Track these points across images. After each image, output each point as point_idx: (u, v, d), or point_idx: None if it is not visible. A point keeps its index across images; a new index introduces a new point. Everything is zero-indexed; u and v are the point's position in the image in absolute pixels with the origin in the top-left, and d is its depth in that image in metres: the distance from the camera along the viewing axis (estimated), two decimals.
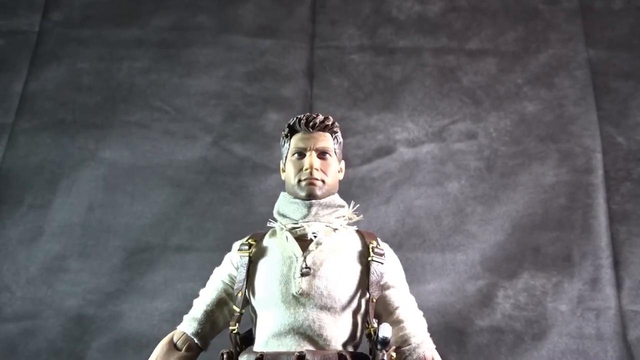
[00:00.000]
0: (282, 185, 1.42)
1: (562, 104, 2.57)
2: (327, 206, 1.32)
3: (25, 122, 2.58)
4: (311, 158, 1.31)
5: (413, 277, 2.33)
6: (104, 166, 2.53)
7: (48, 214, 2.47)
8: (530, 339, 2.29)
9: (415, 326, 1.27)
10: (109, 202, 2.48)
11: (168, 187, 2.50)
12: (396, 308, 1.28)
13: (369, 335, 1.22)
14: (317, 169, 1.30)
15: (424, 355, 1.25)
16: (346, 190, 2.46)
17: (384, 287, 1.27)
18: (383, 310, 1.28)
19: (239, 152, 2.56)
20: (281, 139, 1.40)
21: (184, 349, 1.30)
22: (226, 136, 2.58)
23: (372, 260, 1.27)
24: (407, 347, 1.25)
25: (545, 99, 2.58)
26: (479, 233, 2.41)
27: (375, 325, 1.20)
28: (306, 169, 1.30)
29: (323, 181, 1.31)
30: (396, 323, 1.25)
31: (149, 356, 1.32)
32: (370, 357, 1.21)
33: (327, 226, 1.30)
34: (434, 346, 1.28)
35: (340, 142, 1.40)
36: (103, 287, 2.39)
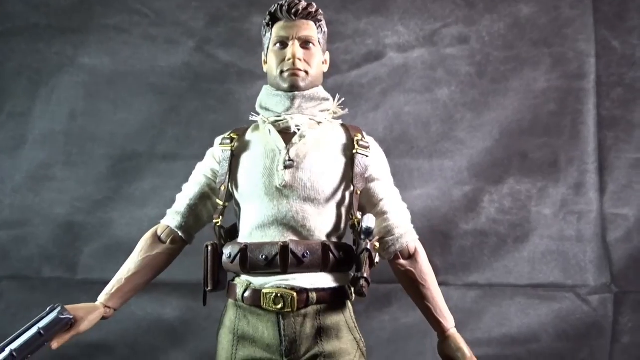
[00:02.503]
0: None
1: (558, 6, 2.48)
2: (311, 98, 1.28)
3: None
4: (294, 48, 1.25)
5: (400, 183, 2.31)
6: (83, 73, 2.45)
7: (29, 122, 2.42)
8: (512, 241, 2.36)
9: (398, 217, 1.28)
10: (91, 110, 2.43)
11: (151, 95, 2.44)
12: (380, 200, 1.28)
13: (352, 227, 1.23)
14: (300, 59, 1.25)
15: (407, 245, 1.27)
16: (334, 96, 2.43)
17: (368, 180, 1.27)
18: (367, 203, 1.28)
19: (224, 57, 2.47)
20: (262, 28, 1.33)
21: (168, 241, 1.31)
22: (210, 41, 2.48)
23: (357, 152, 1.25)
24: (390, 238, 1.26)
25: (540, 1, 2.48)
26: (467, 139, 2.40)
27: (359, 216, 1.20)
28: (289, 59, 1.25)
29: (306, 72, 1.27)
30: (380, 214, 1.26)
31: None
32: (354, 247, 1.23)
33: (310, 119, 1.27)
34: (417, 237, 1.30)
35: (324, 32, 1.33)
36: (91, 195, 2.40)
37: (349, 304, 1.26)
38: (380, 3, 2.51)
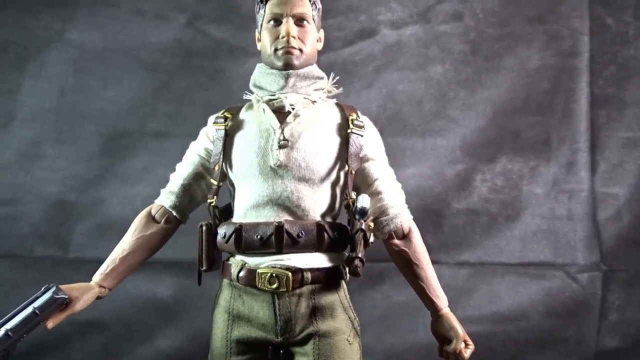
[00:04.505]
0: None
1: None
2: (306, 77, 1.26)
3: None
4: (288, 25, 1.23)
5: (393, 161, 2.30)
6: (72, 48, 2.40)
7: (18, 99, 2.39)
8: (504, 220, 2.38)
9: (393, 197, 1.28)
10: (81, 87, 2.40)
11: (142, 71, 2.41)
12: (375, 180, 1.28)
13: (347, 206, 1.23)
14: (294, 37, 1.23)
15: (401, 225, 1.28)
16: (327, 74, 2.41)
17: (363, 160, 1.27)
18: (362, 183, 1.28)
19: (215, 33, 2.44)
20: (255, 4, 1.31)
21: (162, 221, 1.31)
22: (201, 16, 2.44)
23: (352, 132, 1.24)
24: (384, 218, 1.27)
25: None
26: (460, 118, 2.40)
27: (354, 196, 1.20)
28: (283, 37, 1.23)
29: (301, 50, 1.24)
30: (375, 194, 1.26)
31: None
32: (349, 227, 1.23)
33: (305, 98, 1.26)
34: (412, 217, 1.30)
35: (319, 9, 1.31)
36: (82, 173, 2.38)
37: (343, 283, 1.27)
38: None
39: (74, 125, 2.39)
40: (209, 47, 2.43)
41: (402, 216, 1.28)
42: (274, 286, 1.16)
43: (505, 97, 2.40)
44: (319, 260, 1.20)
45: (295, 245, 1.17)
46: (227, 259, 1.27)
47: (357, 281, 2.19)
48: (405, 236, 1.29)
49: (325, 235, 1.19)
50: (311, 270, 1.19)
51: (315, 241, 1.18)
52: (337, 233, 1.21)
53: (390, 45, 2.44)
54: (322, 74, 1.31)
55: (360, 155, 1.26)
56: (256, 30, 1.33)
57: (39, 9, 2.41)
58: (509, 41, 2.42)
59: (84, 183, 2.38)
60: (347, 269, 1.19)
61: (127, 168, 2.39)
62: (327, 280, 1.22)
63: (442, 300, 1.29)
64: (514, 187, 2.39)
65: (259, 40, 1.31)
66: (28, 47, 2.40)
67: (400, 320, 2.36)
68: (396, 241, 1.29)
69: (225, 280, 1.26)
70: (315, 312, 1.20)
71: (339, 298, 1.24)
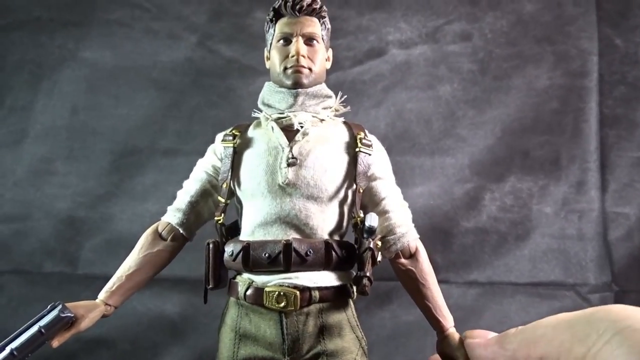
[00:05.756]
0: None
1: (561, 3, 2.47)
2: (314, 96, 1.27)
3: None
4: (298, 44, 1.24)
5: (402, 180, 2.33)
6: (85, 67, 2.44)
7: (31, 116, 2.42)
8: (513, 239, 2.36)
9: (400, 217, 1.28)
10: (93, 105, 2.43)
11: (153, 90, 2.44)
12: (382, 199, 1.27)
13: (355, 225, 1.22)
14: (303, 56, 1.24)
15: (408, 245, 1.27)
16: (336, 93, 2.43)
17: (370, 178, 1.27)
18: (369, 201, 1.28)
19: (226, 53, 2.47)
20: (265, 24, 1.32)
21: (169, 238, 1.30)
22: (212, 36, 2.48)
23: (360, 151, 1.24)
24: (391, 237, 1.26)
25: None
26: (469, 137, 2.40)
27: (362, 215, 1.20)
28: (292, 56, 1.24)
29: (310, 69, 1.26)
30: (382, 213, 1.26)
31: None
32: (356, 245, 1.22)
33: (313, 116, 1.26)
34: (418, 236, 1.30)
35: (328, 29, 1.33)
36: (92, 190, 2.40)
37: (351, 302, 1.26)
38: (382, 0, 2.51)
39: (85, 142, 2.41)
40: (220, 66, 2.46)
41: (409, 235, 1.27)
42: (282, 305, 1.15)
43: (514, 116, 2.40)
44: (326, 278, 1.20)
45: (304, 263, 1.16)
46: (234, 277, 1.26)
47: (365, 300, 2.17)
48: (412, 255, 1.28)
49: (333, 253, 1.19)
50: (319, 288, 1.18)
51: (324, 259, 1.18)
52: (345, 251, 1.21)
53: (399, 65, 2.46)
54: (330, 92, 1.32)
55: (369, 174, 1.26)
56: (265, 49, 1.35)
57: (54, 28, 2.46)
58: (518, 61, 2.43)
59: (94, 199, 2.40)
60: (355, 288, 1.19)
61: (137, 185, 2.40)
62: (335, 298, 1.21)
63: (448, 320, 1.28)
64: (524, 206, 2.37)
65: (268, 58, 1.33)
66: (42, 66, 2.44)
67: (409, 340, 2.33)
68: (403, 260, 1.28)
69: (232, 299, 1.25)
70: (323, 331, 1.18)
71: (347, 317, 1.23)
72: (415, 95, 2.44)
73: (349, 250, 1.22)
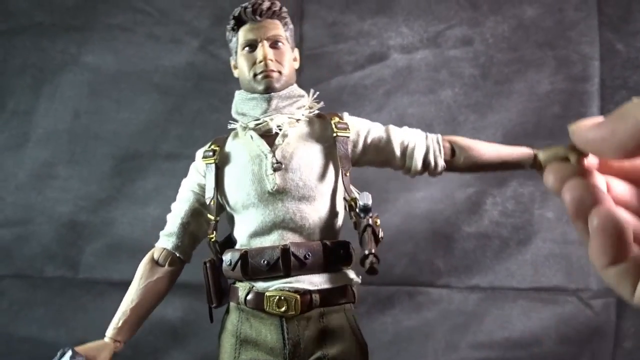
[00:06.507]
0: None
1: (562, 8, 2.47)
2: (287, 97, 1.26)
3: (1, 24, 2.47)
4: (264, 49, 1.22)
5: (403, 185, 2.35)
6: (87, 71, 2.45)
7: (33, 120, 2.42)
8: (515, 244, 2.35)
9: (408, 136, 1.27)
10: (94, 109, 2.43)
11: (155, 94, 2.44)
12: (386, 140, 1.26)
13: (350, 207, 1.19)
14: (271, 60, 1.23)
15: (440, 146, 1.26)
16: (337, 97, 2.44)
17: (362, 148, 1.26)
18: (383, 155, 1.27)
19: (227, 57, 2.46)
20: (227, 33, 1.31)
21: (166, 264, 1.29)
22: (214, 41, 2.48)
23: (337, 135, 1.23)
24: (427, 156, 1.25)
25: (545, 3, 2.47)
26: None
27: (356, 195, 1.19)
28: (260, 62, 1.22)
29: (280, 72, 1.24)
30: (400, 147, 1.25)
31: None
32: (356, 230, 1.16)
33: (289, 117, 1.25)
34: (438, 134, 1.28)
35: (291, 29, 1.31)
36: (94, 194, 2.40)
37: (352, 307, 1.25)
38: (384, 4, 2.51)
39: (87, 147, 2.42)
40: (221, 71, 2.46)
41: (429, 141, 1.26)
42: (283, 309, 1.15)
43: (515, 121, 2.40)
44: (326, 280, 1.19)
45: (303, 267, 1.16)
46: (234, 282, 1.26)
47: (366, 305, 2.17)
48: (452, 150, 1.27)
49: (331, 254, 1.18)
50: (320, 291, 1.18)
51: (322, 261, 1.18)
52: (343, 250, 1.21)
53: (400, 69, 2.46)
54: (302, 92, 1.31)
55: (357, 149, 1.26)
56: (231, 58, 1.34)
57: (56, 33, 2.46)
58: (519, 66, 2.43)
59: (96, 204, 2.40)
60: (364, 266, 1.07)
61: (138, 189, 2.40)
62: (336, 302, 1.20)
63: (524, 148, 1.24)
64: (525, 211, 2.37)
65: (236, 67, 1.32)
66: (44, 70, 2.45)
67: (410, 345, 2.32)
68: (454, 159, 1.26)
69: (233, 304, 1.25)
70: (324, 335, 1.18)
71: (348, 322, 1.22)
72: (416, 100, 2.44)
73: (345, 249, 1.21)
